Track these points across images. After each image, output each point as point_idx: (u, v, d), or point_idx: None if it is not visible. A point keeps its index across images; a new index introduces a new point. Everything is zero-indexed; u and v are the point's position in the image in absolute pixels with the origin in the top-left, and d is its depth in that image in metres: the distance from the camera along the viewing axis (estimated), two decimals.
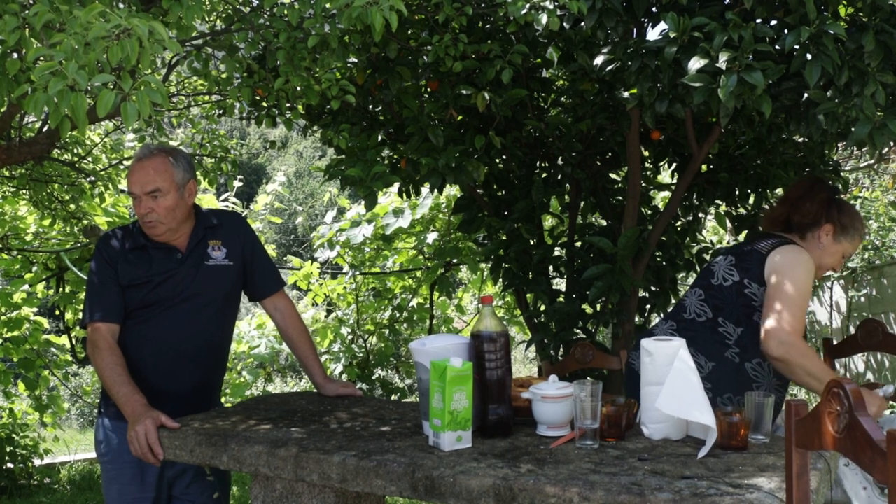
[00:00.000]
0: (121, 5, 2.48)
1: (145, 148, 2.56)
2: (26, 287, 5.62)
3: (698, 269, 4.06)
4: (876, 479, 1.37)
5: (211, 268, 2.58)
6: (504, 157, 3.72)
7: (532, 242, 3.83)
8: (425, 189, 4.12)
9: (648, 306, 3.97)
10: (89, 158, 4.67)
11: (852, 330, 5.95)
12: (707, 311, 2.58)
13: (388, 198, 5.59)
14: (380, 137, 3.46)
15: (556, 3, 2.46)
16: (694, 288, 2.67)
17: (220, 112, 3.71)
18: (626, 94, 2.84)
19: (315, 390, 2.75)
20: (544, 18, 2.42)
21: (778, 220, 2.64)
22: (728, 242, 5.98)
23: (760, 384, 2.50)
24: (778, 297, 2.38)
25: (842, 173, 3.87)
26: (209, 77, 3.07)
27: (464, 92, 3.15)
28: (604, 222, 4.08)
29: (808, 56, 2.40)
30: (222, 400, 2.81)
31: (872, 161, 6.61)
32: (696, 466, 1.79)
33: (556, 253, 3.92)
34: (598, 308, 3.67)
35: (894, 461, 1.20)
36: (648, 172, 4.08)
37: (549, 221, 4.85)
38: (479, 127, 3.51)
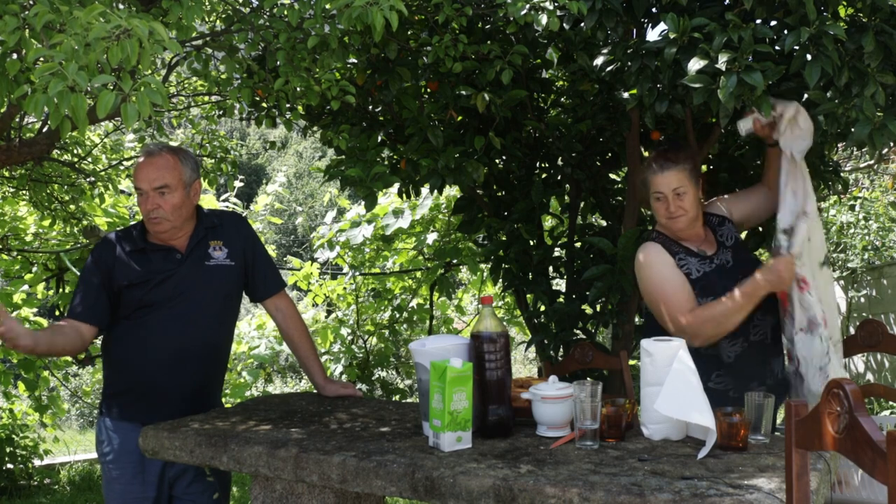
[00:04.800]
0: (121, 6, 2.48)
1: (154, 145, 2.58)
2: (26, 287, 5.61)
3: None
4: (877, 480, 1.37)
5: (212, 268, 2.58)
6: (504, 157, 3.71)
7: (532, 243, 3.83)
8: (425, 190, 4.11)
9: None
10: (89, 159, 4.66)
11: (852, 330, 5.94)
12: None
13: (388, 198, 5.58)
14: (380, 138, 3.46)
15: (556, 4, 2.46)
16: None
17: (220, 113, 3.70)
18: (625, 95, 2.84)
19: (315, 391, 2.75)
20: (544, 19, 2.42)
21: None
22: None
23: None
24: (652, 305, 2.65)
25: (842, 173, 3.86)
26: (209, 78, 3.06)
27: (463, 93, 3.15)
28: (604, 222, 4.07)
29: (808, 57, 2.39)
30: (222, 400, 2.81)
31: (872, 161, 6.61)
32: (696, 467, 1.79)
33: (556, 253, 3.91)
34: (598, 308, 3.67)
35: (894, 461, 1.20)
36: None
37: (549, 222, 4.84)
38: (478, 128, 3.51)
